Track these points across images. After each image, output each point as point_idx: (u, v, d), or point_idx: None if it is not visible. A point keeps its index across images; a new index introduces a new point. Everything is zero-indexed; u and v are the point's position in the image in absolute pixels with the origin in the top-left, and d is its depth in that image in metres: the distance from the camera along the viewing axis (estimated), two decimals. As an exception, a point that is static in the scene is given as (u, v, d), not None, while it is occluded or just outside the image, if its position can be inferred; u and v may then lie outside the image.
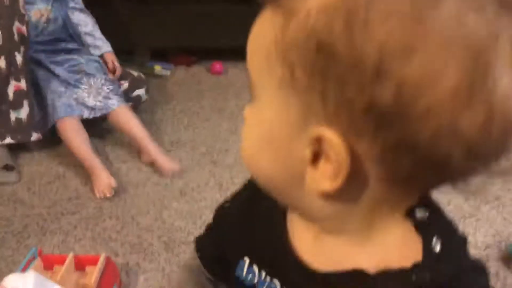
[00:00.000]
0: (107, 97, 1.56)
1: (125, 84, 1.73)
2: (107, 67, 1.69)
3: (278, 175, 0.32)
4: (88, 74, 1.59)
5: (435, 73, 0.25)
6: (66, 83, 1.56)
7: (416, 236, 0.33)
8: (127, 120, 1.54)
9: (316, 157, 0.29)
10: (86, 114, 1.55)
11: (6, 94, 1.43)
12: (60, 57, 1.61)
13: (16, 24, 1.42)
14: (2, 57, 1.40)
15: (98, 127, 1.70)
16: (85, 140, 1.51)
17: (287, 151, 0.30)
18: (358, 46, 0.26)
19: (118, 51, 1.75)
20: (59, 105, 1.52)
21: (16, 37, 1.42)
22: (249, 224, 0.42)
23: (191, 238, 1.29)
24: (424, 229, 0.33)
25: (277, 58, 0.29)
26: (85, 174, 1.48)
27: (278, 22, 0.29)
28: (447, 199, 1.28)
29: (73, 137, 1.49)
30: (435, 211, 0.34)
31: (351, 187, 0.29)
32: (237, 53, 2.17)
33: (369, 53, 0.25)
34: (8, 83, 1.43)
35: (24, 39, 1.45)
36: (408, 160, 0.27)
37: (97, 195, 1.40)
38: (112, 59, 1.69)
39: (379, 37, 0.25)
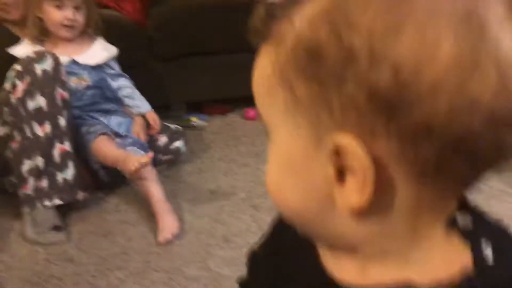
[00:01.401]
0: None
1: (164, 138, 1.78)
2: (149, 125, 1.76)
3: (306, 202, 0.31)
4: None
5: (430, 45, 0.24)
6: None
7: (463, 245, 0.31)
8: (145, 177, 1.56)
9: (341, 174, 0.28)
10: None
11: (52, 156, 1.50)
12: (97, 118, 1.72)
13: (59, 91, 1.51)
14: (47, 122, 1.48)
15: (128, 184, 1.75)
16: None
17: (310, 174, 0.30)
18: (346, 41, 0.26)
19: (155, 107, 1.81)
20: (91, 132, 1.62)
21: (59, 102, 1.51)
22: (282, 262, 0.41)
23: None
24: (470, 236, 0.31)
25: (277, 82, 0.30)
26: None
27: (272, 50, 0.30)
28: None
29: (109, 148, 1.58)
30: (478, 215, 0.32)
31: (380, 196, 0.28)
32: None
33: (358, 44, 0.25)
34: (53, 146, 1.50)
35: (66, 104, 1.54)
36: (430, 147, 0.26)
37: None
38: (153, 117, 1.76)
39: (364, 26, 0.25)
